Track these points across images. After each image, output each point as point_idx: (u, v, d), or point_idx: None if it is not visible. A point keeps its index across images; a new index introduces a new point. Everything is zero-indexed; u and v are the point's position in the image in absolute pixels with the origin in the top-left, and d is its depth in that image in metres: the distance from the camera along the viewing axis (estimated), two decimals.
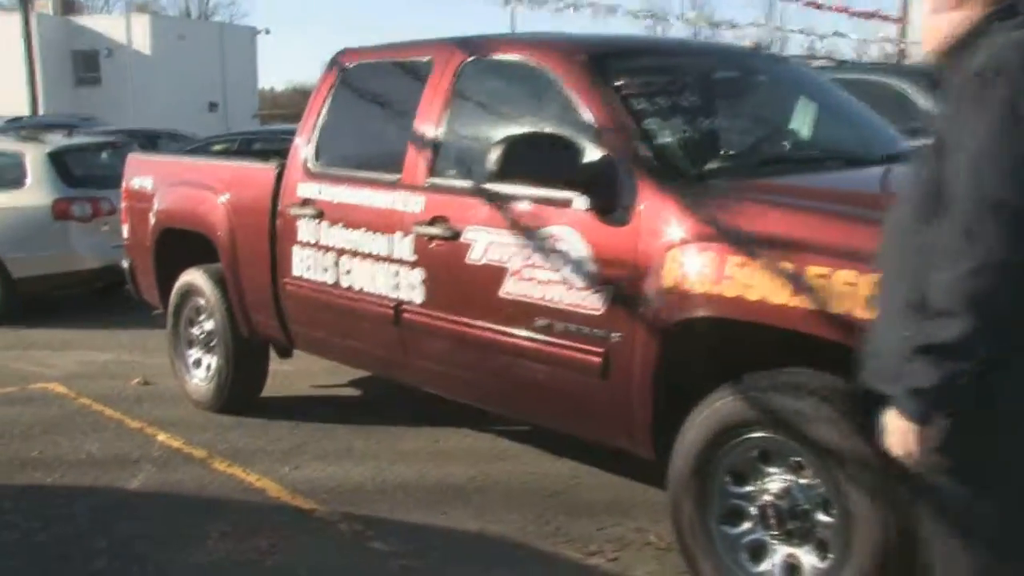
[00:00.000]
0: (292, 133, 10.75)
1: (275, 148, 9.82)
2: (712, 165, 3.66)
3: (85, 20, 37.02)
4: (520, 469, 4.79)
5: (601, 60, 3.89)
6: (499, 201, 3.90)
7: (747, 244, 3.09)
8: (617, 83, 3.78)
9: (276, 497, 4.51)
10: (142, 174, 6.22)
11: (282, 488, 4.60)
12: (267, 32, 40.21)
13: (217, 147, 11.23)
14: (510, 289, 3.84)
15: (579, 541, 3.98)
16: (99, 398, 6.17)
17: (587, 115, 3.72)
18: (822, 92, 4.51)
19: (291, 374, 6.25)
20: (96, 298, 9.52)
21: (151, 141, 13.59)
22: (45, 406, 6.05)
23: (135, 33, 35.59)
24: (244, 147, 10.61)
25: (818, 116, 4.24)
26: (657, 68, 4.12)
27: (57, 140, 9.19)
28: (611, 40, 4.71)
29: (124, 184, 6.40)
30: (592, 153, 3.61)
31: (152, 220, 5.99)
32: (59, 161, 8.68)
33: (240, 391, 5.69)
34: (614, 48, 4.27)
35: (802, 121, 4.18)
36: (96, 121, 17.86)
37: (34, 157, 8.61)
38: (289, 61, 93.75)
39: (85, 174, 8.97)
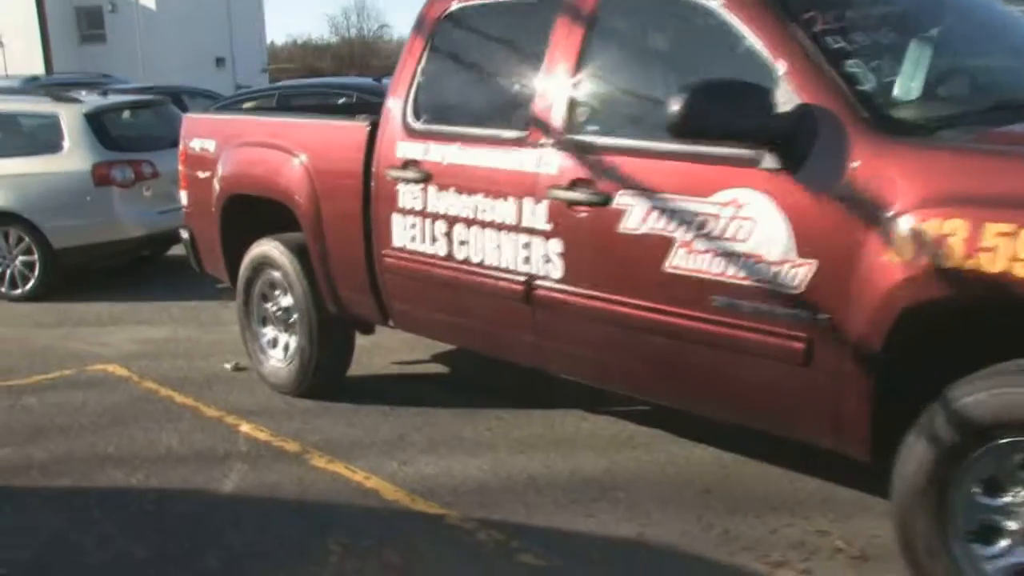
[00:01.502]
0: (333, 88, 10.35)
1: (320, 104, 9.31)
2: (936, 112, 3.09)
3: None
4: (657, 458, 4.29)
5: None
6: (664, 160, 3.34)
7: (1014, 208, 2.53)
8: (806, 17, 3.20)
9: (393, 500, 4.00)
10: (203, 135, 5.65)
11: (397, 488, 4.09)
12: None
13: (248, 104, 10.65)
14: (678, 263, 3.30)
15: (756, 548, 3.48)
16: (165, 381, 5.67)
17: (771, 57, 3.14)
18: None
19: (367, 349, 5.74)
20: (141, 268, 9.01)
21: (174, 100, 12.96)
22: (109, 391, 5.55)
23: None
24: (283, 103, 10.04)
25: None
26: None
27: (93, 100, 8.59)
28: None
29: (181, 147, 5.84)
30: (784, 103, 3.05)
31: (217, 186, 5.43)
32: (97, 122, 8.08)
33: (325, 373, 5.17)
34: None
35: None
36: (113, 79, 17.18)
37: (70, 119, 8.01)
38: (289, 15, 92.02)
39: (123, 135, 8.41)
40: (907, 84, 3.22)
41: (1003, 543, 2.71)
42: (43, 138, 8.15)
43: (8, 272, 8.06)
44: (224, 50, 36.91)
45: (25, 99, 9.10)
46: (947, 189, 2.70)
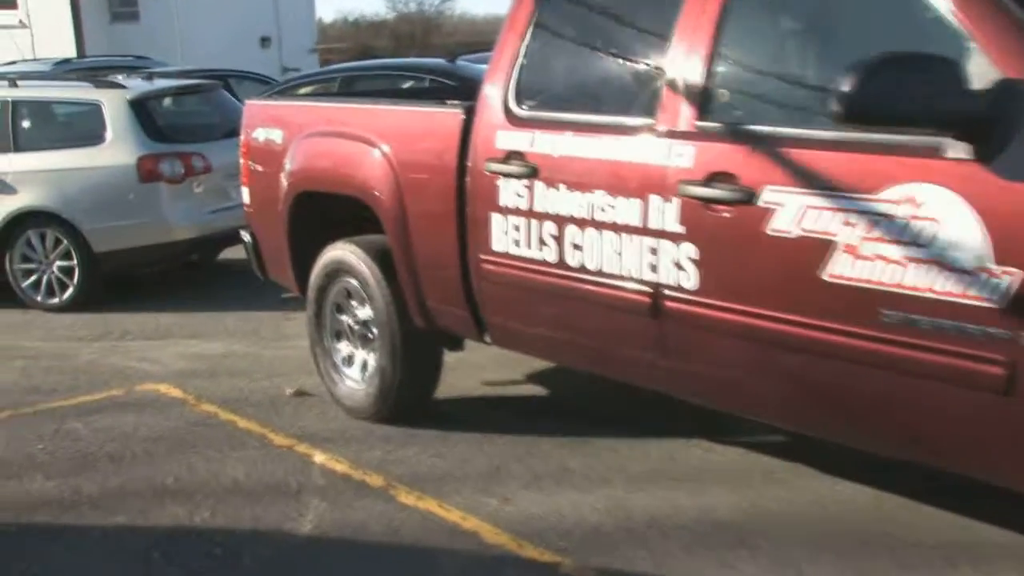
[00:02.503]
0: (401, 69, 10.33)
1: (389, 88, 9.30)
2: None
3: None
4: (801, 497, 4.14)
5: None
6: (823, 149, 3.21)
7: None
8: None
9: (496, 544, 3.91)
10: (268, 124, 5.64)
11: (499, 531, 4.01)
12: None
13: (306, 89, 10.68)
14: (841, 271, 3.16)
15: None
16: (225, 404, 5.67)
17: (963, 22, 2.99)
18: None
19: (453, 367, 5.65)
20: (190, 274, 9.09)
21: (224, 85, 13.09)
22: (162, 414, 5.57)
23: None
24: (345, 88, 10.04)
25: None
26: None
27: (138, 85, 8.68)
28: None
29: (243, 137, 5.84)
30: (978, 78, 2.90)
31: (285, 182, 5.41)
32: (142, 111, 8.18)
33: (409, 396, 5.12)
34: None
35: None
36: (151, 61, 17.41)
37: (114, 106, 8.11)
38: None
39: (171, 125, 8.52)
40: None
41: None
42: (83, 128, 8.28)
43: (45, 279, 8.18)
44: (269, 28, 37.22)
45: (63, 85, 9.22)
46: None
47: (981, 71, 2.90)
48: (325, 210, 5.31)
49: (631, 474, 4.45)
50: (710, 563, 3.68)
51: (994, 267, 2.83)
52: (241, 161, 5.91)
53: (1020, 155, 2.81)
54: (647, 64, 3.87)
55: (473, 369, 5.87)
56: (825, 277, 3.20)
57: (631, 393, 4.30)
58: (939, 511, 3.92)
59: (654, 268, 3.71)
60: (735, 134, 3.49)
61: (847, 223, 3.14)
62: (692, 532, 3.90)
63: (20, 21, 34.26)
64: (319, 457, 4.83)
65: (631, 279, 3.80)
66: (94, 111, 8.15)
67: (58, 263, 8.12)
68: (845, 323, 3.19)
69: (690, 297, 3.62)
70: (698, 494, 4.22)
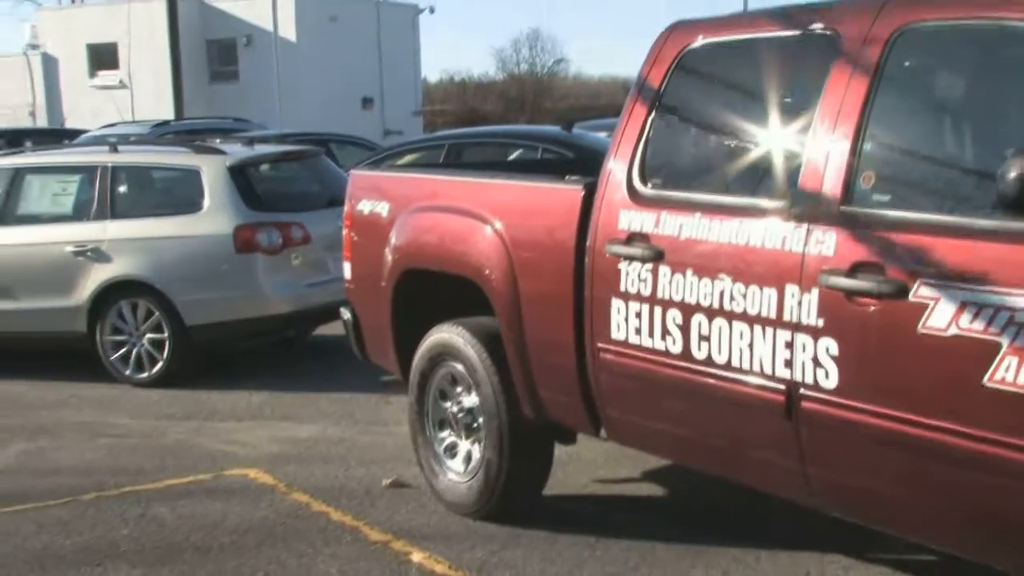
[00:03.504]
0: (512, 137, 10.47)
1: (497, 157, 9.42)
2: None
3: (221, 3, 38.12)
4: None
5: None
6: (985, 241, 3.13)
7: None
8: None
9: None
10: (374, 196, 5.74)
11: None
12: (431, 11, 40.39)
13: (409, 157, 10.88)
14: (1005, 376, 3.06)
15: None
16: (318, 493, 5.71)
17: None
18: None
19: (563, 461, 5.63)
20: (285, 351, 9.25)
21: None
22: (251, 503, 5.63)
23: (279, 16, 36.41)
24: (453, 156, 10.21)
25: None
26: None
27: (237, 151, 8.94)
28: None
29: (347, 208, 5.95)
30: None
31: (389, 257, 5.49)
32: (241, 177, 8.40)
33: (516, 491, 5.10)
34: None
35: None
36: (250, 123, 17.99)
37: (213, 173, 8.34)
38: (446, 49, 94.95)
39: (270, 192, 8.73)
40: None
41: None
42: (180, 195, 8.55)
43: (134, 352, 8.39)
44: (373, 89, 38.19)
45: (162, 150, 9.55)
46: None
47: None
48: (432, 289, 5.36)
49: None
50: None
51: None
52: (344, 233, 6.01)
53: None
54: (785, 143, 3.85)
55: (586, 465, 5.84)
56: (988, 383, 3.10)
57: (760, 500, 4.20)
58: None
59: (789, 364, 3.65)
60: (883, 221, 3.44)
61: (1013, 323, 3.05)
62: None
63: (120, 81, 35.79)
64: (417, 556, 4.82)
65: (763, 375, 3.75)
66: (193, 177, 8.39)
67: (149, 335, 8.32)
68: (1011, 435, 3.08)
69: (830, 398, 3.54)
70: None
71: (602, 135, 9.62)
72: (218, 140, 10.02)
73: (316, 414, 7.35)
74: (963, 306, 3.16)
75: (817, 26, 3.86)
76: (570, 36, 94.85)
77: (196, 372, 8.37)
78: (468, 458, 5.24)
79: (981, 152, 3.34)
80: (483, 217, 4.92)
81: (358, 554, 4.89)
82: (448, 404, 5.33)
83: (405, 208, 5.47)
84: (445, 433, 5.38)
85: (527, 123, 25.58)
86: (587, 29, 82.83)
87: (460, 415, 5.26)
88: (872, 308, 3.40)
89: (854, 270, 3.45)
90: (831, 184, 3.60)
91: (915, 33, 3.55)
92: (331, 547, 4.98)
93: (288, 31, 36.77)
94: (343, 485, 5.83)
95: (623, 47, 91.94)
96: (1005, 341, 3.06)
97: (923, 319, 3.25)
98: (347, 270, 6.03)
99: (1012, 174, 2.81)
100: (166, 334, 8.26)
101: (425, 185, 5.62)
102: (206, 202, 8.29)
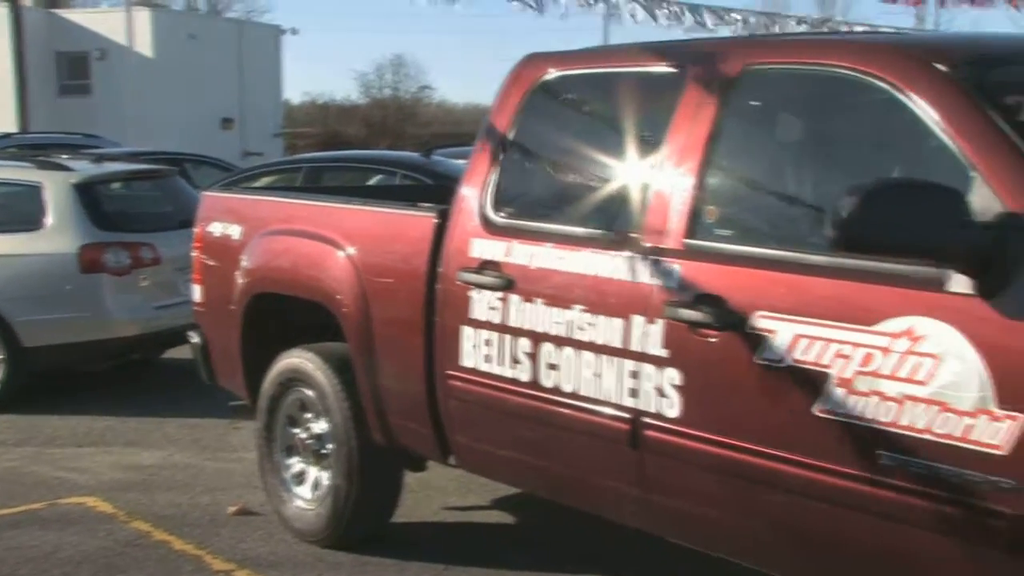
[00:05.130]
0: (371, 162, 10.48)
1: (355, 182, 9.44)
2: None
3: (72, 15, 37.23)
4: None
5: (978, 69, 3.29)
6: (818, 276, 3.30)
7: None
8: (1010, 101, 3.18)
9: None
10: (226, 218, 5.73)
11: None
12: (294, 32, 40.06)
13: (266, 179, 10.81)
14: (833, 407, 3.23)
15: None
16: (160, 521, 5.63)
17: (966, 151, 3.11)
18: None
19: (413, 489, 5.66)
20: (130, 374, 9.07)
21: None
22: (88, 532, 5.51)
23: (135, 31, 35.72)
24: (310, 180, 10.17)
25: None
26: None
27: (84, 168, 8.77)
28: (975, 40, 4.09)
29: (198, 229, 5.92)
30: (982, 210, 3.00)
31: (240, 280, 5.48)
32: (88, 195, 8.25)
33: (364, 519, 5.14)
34: (989, 52, 3.65)
35: None
36: (101, 140, 17.59)
37: (56, 190, 8.18)
38: (309, 71, 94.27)
39: (119, 212, 8.59)
40: None
41: None
42: (20, 212, 8.32)
43: None
44: (232, 109, 37.66)
45: (1, 164, 9.31)
46: None
47: (984, 203, 3.01)
48: (283, 314, 5.38)
49: None
50: None
51: (996, 410, 2.90)
52: (194, 255, 5.97)
53: (1022, 293, 2.89)
54: (634, 176, 3.97)
55: (436, 493, 5.89)
56: (819, 413, 3.26)
57: (609, 528, 4.31)
58: None
59: (634, 393, 3.77)
60: (725, 255, 3.59)
61: (842, 355, 3.21)
62: None
63: None
64: None
65: (609, 404, 3.86)
66: (34, 194, 8.21)
67: None
68: (838, 463, 3.24)
69: (672, 427, 3.67)
70: None
71: (461, 162, 9.70)
72: (65, 156, 9.82)
73: (162, 440, 7.23)
74: (796, 339, 3.32)
75: (665, 64, 4.02)
76: (436, 64, 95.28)
77: (34, 396, 8.14)
78: (316, 485, 5.24)
79: (816, 190, 3.51)
80: (336, 242, 4.96)
81: None
82: (297, 430, 5.34)
83: (257, 231, 5.47)
84: (294, 460, 5.37)
85: (389, 148, 25.56)
86: (453, 56, 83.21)
87: (309, 441, 5.27)
88: (713, 339, 3.54)
89: (697, 302, 3.59)
90: (676, 218, 3.73)
91: (756, 75, 3.73)
92: None
93: (144, 47, 35.99)
94: (187, 513, 5.76)
95: (489, 76, 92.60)
96: (832, 372, 3.22)
97: (761, 351, 3.40)
98: (196, 292, 5.99)
99: (843, 214, 2.97)
100: (1, 356, 8.04)
101: (278, 208, 5.63)
102: (49, 220, 8.12)
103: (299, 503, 5.30)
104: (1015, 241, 2.94)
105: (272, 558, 5.10)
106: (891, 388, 3.11)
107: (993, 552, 2.94)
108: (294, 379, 5.27)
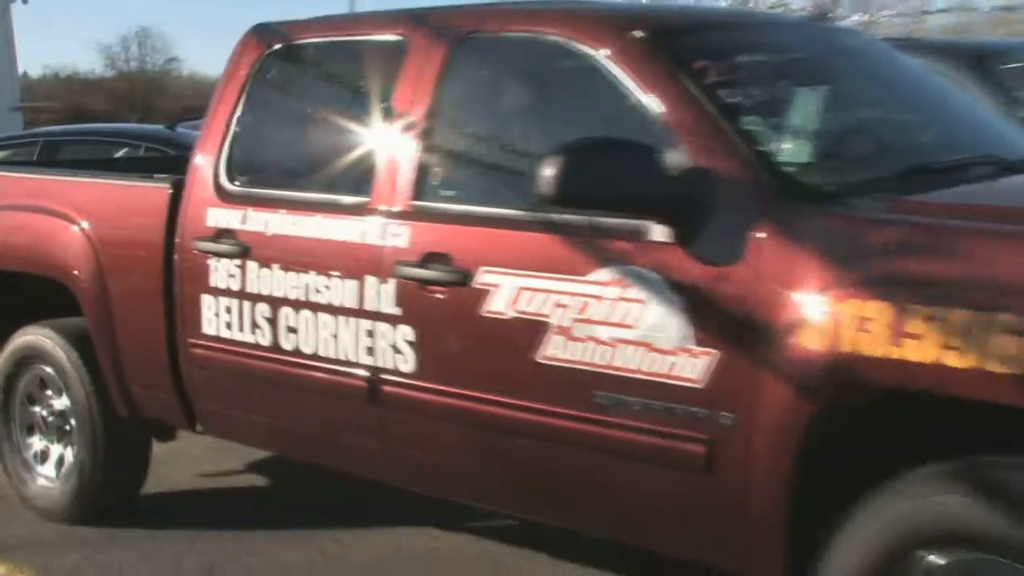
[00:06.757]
0: (112, 135, 10.12)
1: (99, 158, 9.09)
2: (846, 176, 3.29)
3: None
4: None
5: (671, 37, 3.48)
6: (534, 232, 3.44)
7: (947, 291, 2.72)
8: (698, 67, 3.38)
9: None
10: None
11: None
12: (24, 2, 37.96)
13: (0, 154, 10.28)
14: (554, 352, 3.37)
15: None
16: None
17: (660, 112, 3.30)
18: (922, 77, 4.23)
19: (164, 458, 5.55)
20: None
21: None
22: None
23: None
24: (47, 154, 9.73)
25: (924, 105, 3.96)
26: (741, 47, 3.73)
27: None
28: (671, 10, 4.29)
29: None
30: (675, 165, 3.19)
31: None
32: None
33: (113, 492, 5.03)
34: (682, 21, 3.86)
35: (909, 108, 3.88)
36: None
37: None
38: (47, 41, 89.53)
39: None
40: (810, 145, 3.42)
41: None
42: None
43: None
44: None
45: None
46: (870, 265, 2.86)
47: (677, 159, 3.19)
48: (15, 291, 5.19)
49: (353, 566, 4.52)
50: None
51: (694, 348, 3.10)
52: None
53: (713, 239, 3.10)
54: (364, 142, 4.02)
55: (188, 461, 5.78)
56: (541, 359, 3.40)
57: (356, 482, 4.36)
58: None
59: (371, 351, 3.83)
60: (450, 215, 3.68)
61: (559, 305, 3.36)
62: None
63: None
64: (0, 568, 4.64)
65: (348, 363, 3.91)
66: None
67: None
68: (559, 405, 3.39)
69: (408, 381, 3.75)
70: None
71: None
72: None
73: None
74: (518, 291, 3.44)
75: (390, 32, 4.07)
76: (183, 36, 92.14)
77: None
78: (60, 462, 5.09)
79: (531, 150, 3.62)
80: (69, 216, 4.81)
81: None
82: (37, 408, 5.17)
83: None
84: (35, 439, 5.20)
85: (139, 121, 24.65)
86: (204, 27, 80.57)
87: (51, 419, 5.11)
88: (441, 296, 3.63)
89: (425, 261, 3.67)
90: (404, 181, 3.80)
91: (474, 42, 3.83)
92: None
93: None
94: None
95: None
96: (551, 321, 3.37)
97: (485, 304, 3.51)
98: None
99: (547, 172, 3.10)
100: None
101: (7, 184, 5.40)
102: None
103: (43, 482, 5.13)
104: (705, 193, 3.15)
105: (12, 540, 4.91)
106: (604, 333, 3.27)
107: (694, 475, 3.14)
108: (31, 356, 5.09)
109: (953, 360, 2.66)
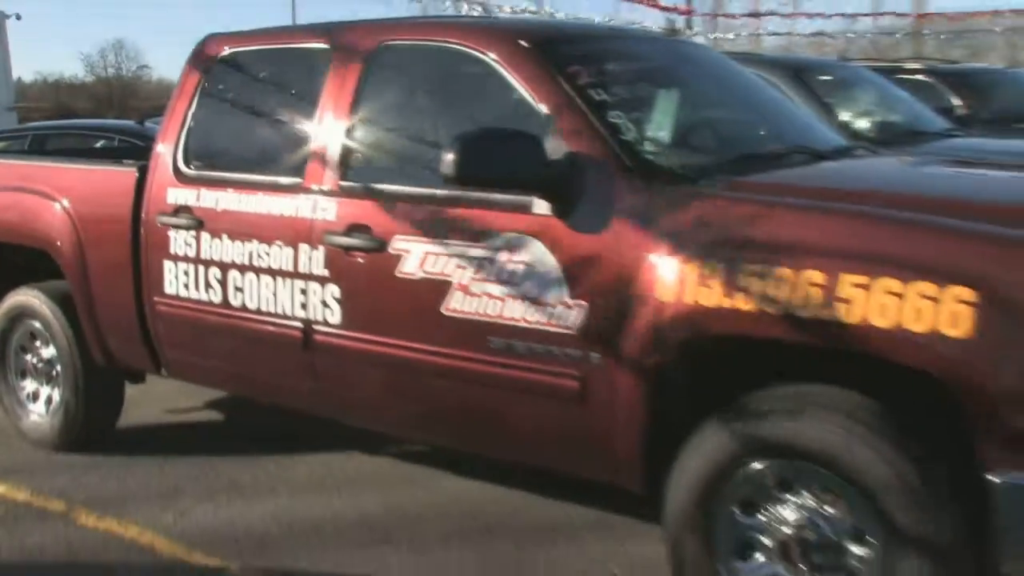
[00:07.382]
0: (91, 130, 9.78)
1: (79, 148, 8.78)
2: (691, 161, 3.28)
3: None
4: (437, 497, 4.25)
5: (551, 46, 3.43)
6: (438, 206, 3.37)
7: (767, 251, 2.72)
8: (571, 70, 3.32)
9: (169, 554, 3.78)
10: None
11: (173, 542, 3.87)
12: (18, 18, 36.56)
13: None
14: (456, 305, 3.32)
15: None
16: None
17: (541, 107, 3.25)
18: (751, 81, 4.23)
19: (137, 398, 5.38)
20: None
21: None
22: None
23: None
24: (36, 145, 9.38)
25: (752, 104, 3.97)
26: (608, 55, 3.68)
27: None
28: (551, 24, 4.23)
29: None
30: (554, 151, 3.15)
31: None
32: None
33: (93, 425, 4.85)
34: (559, 33, 3.80)
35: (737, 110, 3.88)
36: None
37: None
38: (38, 51, 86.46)
39: None
40: (663, 135, 3.41)
41: (759, 558, 2.87)
42: None
43: None
44: None
45: None
46: (707, 232, 2.86)
47: (555, 146, 3.15)
48: (8, 259, 4.98)
49: (294, 484, 4.43)
50: (359, 558, 3.72)
51: (569, 300, 3.07)
52: None
53: (584, 211, 3.08)
54: (298, 132, 3.90)
55: (158, 400, 5.61)
56: (445, 311, 3.35)
57: (294, 416, 4.28)
58: (552, 500, 4.15)
59: (304, 306, 3.74)
60: (369, 192, 3.59)
61: (459, 266, 3.31)
62: (345, 532, 3.93)
63: None
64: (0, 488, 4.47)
65: (285, 316, 3.81)
66: None
67: None
68: (461, 349, 3.35)
69: (335, 331, 3.67)
70: (351, 499, 4.26)
71: None
72: None
73: None
74: (425, 255, 3.38)
75: (319, 41, 3.96)
76: (152, 47, 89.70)
77: None
78: (49, 401, 4.91)
79: (437, 138, 3.54)
80: (53, 196, 4.62)
81: None
82: (29, 356, 4.97)
83: None
84: (27, 382, 5.00)
85: (114, 118, 23.95)
86: (172, 37, 78.50)
87: (40, 365, 4.92)
88: (362, 260, 3.55)
89: (349, 231, 3.59)
90: (332, 164, 3.70)
91: (390, 49, 3.73)
92: None
93: None
94: None
95: None
96: (454, 280, 3.32)
97: (399, 266, 3.45)
98: None
99: (449, 157, 3.04)
100: None
101: (2, 170, 5.16)
102: None
103: (35, 417, 4.95)
104: (578, 174, 3.11)
105: (11, 464, 4.73)
106: (496, 289, 3.23)
107: (570, 405, 3.13)
108: (23, 313, 4.89)
109: (747, 305, 2.70)
